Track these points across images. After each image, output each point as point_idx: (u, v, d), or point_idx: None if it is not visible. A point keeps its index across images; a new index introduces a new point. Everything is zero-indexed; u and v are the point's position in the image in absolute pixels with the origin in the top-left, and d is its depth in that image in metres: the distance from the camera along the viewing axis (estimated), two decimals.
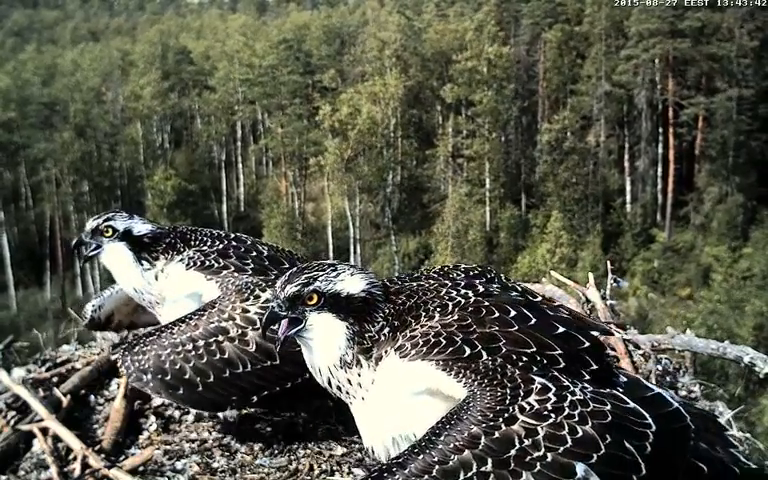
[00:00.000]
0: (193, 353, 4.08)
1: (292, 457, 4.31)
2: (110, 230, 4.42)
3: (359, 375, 3.13)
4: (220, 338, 4.07)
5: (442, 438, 2.76)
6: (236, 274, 4.30)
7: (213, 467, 4.25)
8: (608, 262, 6.64)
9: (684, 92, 56.13)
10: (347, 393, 3.21)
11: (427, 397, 3.02)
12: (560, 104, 60.86)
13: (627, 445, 2.78)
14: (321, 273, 3.16)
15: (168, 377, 4.10)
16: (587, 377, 2.98)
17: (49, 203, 62.14)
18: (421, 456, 2.76)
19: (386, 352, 3.07)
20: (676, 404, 3.05)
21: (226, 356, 4.06)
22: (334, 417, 4.49)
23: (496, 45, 58.48)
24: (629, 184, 57.42)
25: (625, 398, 2.93)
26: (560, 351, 2.99)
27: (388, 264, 55.31)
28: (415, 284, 3.35)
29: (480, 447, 2.71)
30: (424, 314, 3.13)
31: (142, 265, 4.43)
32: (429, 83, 63.07)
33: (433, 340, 2.99)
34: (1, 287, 57.81)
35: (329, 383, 3.24)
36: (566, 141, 56.77)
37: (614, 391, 2.97)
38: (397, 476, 2.76)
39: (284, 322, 3.21)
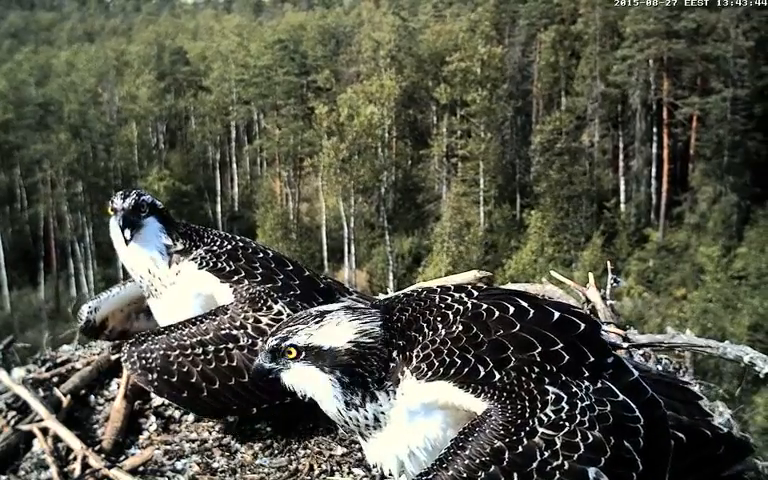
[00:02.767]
0: (202, 358, 4.08)
1: (292, 457, 4.29)
2: (144, 205, 4.32)
3: (380, 406, 3.04)
4: (230, 346, 4.06)
5: (467, 452, 2.82)
6: (246, 281, 4.26)
7: (213, 467, 4.23)
8: (608, 262, 6.64)
9: (679, 92, 56.24)
10: (366, 427, 3.10)
11: (445, 415, 3.03)
12: (555, 104, 60.96)
13: (626, 444, 2.90)
14: (303, 326, 3.05)
15: (174, 379, 4.09)
16: (586, 374, 3.02)
17: (44, 204, 62.03)
18: (450, 471, 2.81)
19: (402, 374, 3.01)
20: (651, 391, 3.13)
21: (234, 364, 4.05)
22: None
23: (489, 46, 58.52)
24: (623, 184, 57.48)
25: (615, 390, 3.01)
26: (561, 344, 3.03)
27: (382, 264, 55.32)
28: (402, 295, 3.33)
29: (505, 462, 2.79)
30: (426, 326, 3.08)
31: (172, 235, 4.37)
32: (424, 83, 63.10)
33: (448, 360, 2.96)
34: None
35: (345, 424, 3.14)
36: (560, 141, 56.76)
37: (608, 384, 3.03)
38: None
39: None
